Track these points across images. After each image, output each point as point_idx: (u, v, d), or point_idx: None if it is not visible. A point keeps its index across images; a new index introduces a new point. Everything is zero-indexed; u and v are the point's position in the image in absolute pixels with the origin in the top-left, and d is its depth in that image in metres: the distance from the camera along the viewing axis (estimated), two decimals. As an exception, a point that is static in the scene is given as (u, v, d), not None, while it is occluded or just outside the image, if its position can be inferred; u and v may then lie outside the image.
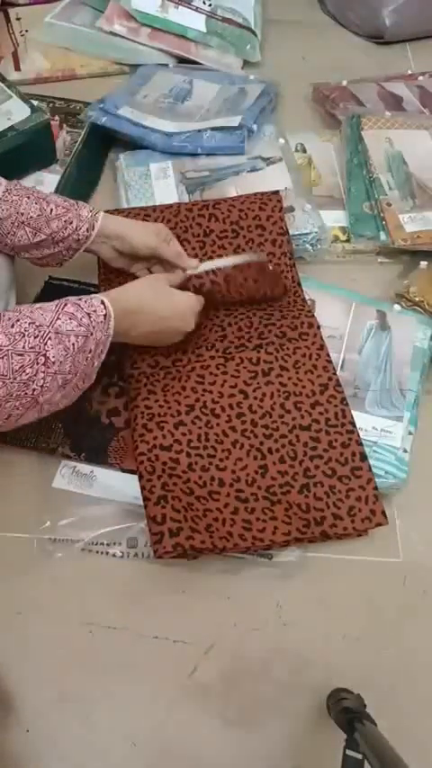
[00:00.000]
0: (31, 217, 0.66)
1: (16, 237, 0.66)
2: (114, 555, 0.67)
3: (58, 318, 0.54)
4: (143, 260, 0.75)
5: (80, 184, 0.94)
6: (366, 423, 0.72)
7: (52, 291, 0.83)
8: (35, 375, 0.51)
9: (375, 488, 0.66)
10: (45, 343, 0.52)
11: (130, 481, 0.68)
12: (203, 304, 0.71)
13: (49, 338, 0.52)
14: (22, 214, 0.65)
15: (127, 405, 0.72)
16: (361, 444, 0.68)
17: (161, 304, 0.65)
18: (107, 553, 0.67)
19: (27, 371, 0.50)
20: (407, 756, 0.46)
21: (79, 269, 0.83)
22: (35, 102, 0.90)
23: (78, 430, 0.71)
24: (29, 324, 0.52)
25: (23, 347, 0.50)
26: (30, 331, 0.51)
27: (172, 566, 0.67)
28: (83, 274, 0.84)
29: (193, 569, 0.67)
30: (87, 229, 0.68)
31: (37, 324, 0.52)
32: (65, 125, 0.97)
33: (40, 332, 0.52)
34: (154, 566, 0.67)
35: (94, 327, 0.56)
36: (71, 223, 0.67)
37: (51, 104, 1.00)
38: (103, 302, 0.58)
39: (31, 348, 0.51)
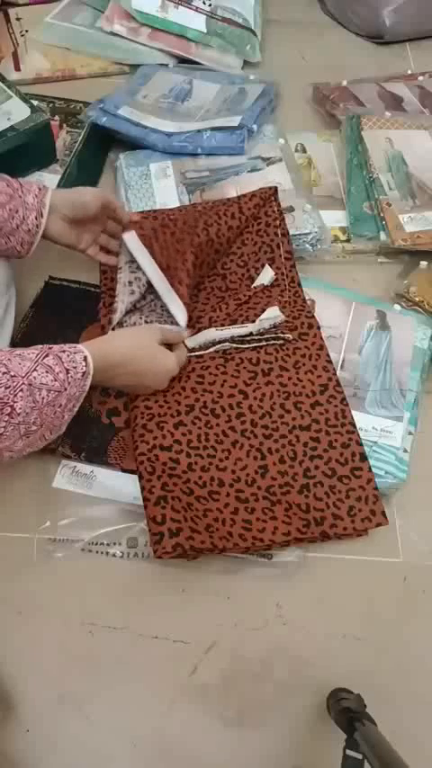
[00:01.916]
0: None
1: None
2: (114, 555, 0.67)
3: (34, 370, 0.53)
4: (91, 225, 0.74)
5: (80, 184, 0.93)
6: (366, 423, 0.72)
7: (52, 292, 0.83)
8: None
9: (375, 488, 0.66)
10: (15, 395, 0.51)
11: (130, 481, 0.68)
12: (185, 364, 0.71)
13: (21, 390, 0.51)
14: None
15: (127, 405, 0.72)
16: (361, 444, 0.68)
17: (142, 362, 0.65)
18: (107, 553, 0.67)
19: None
20: (407, 756, 0.47)
21: (79, 269, 0.83)
22: (35, 102, 0.90)
23: (78, 430, 0.71)
24: (2, 373, 0.51)
25: None
26: (2, 381, 0.50)
27: (172, 566, 0.67)
28: (83, 274, 0.84)
29: (193, 569, 0.67)
30: (36, 217, 0.66)
31: (11, 374, 0.51)
32: (65, 125, 0.97)
33: (12, 383, 0.51)
34: (154, 566, 0.67)
35: (69, 383, 0.55)
36: (17, 212, 0.64)
37: (51, 104, 1.00)
38: (85, 358, 0.57)
39: None
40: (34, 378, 0.52)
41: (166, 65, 1.12)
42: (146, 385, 0.68)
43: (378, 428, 0.72)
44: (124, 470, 0.69)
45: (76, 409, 0.58)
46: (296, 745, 0.61)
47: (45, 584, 0.66)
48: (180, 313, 0.72)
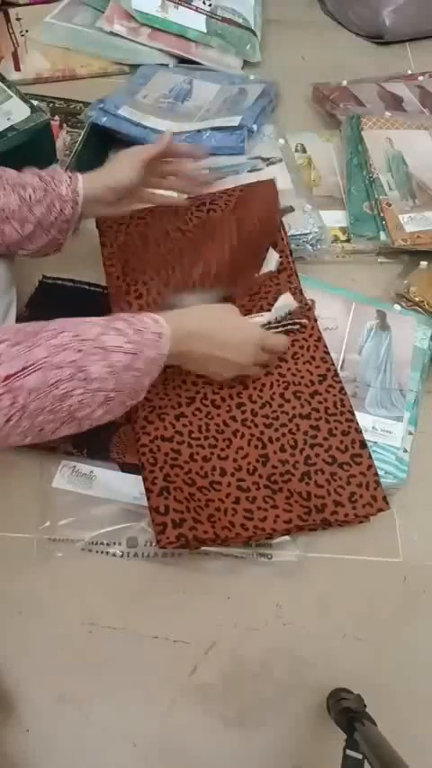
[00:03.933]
0: (12, 210, 0.62)
1: (5, 235, 0.64)
2: (114, 555, 0.67)
3: (104, 333, 0.51)
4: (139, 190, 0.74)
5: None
6: (366, 423, 0.72)
7: (46, 291, 0.83)
8: (73, 391, 0.49)
9: (376, 474, 0.66)
10: (87, 359, 0.49)
11: (130, 481, 0.68)
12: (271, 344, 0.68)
13: (93, 354, 0.50)
14: (2, 210, 0.62)
15: None
16: (360, 432, 0.69)
17: (225, 332, 0.62)
18: (107, 553, 0.67)
19: (64, 386, 0.48)
20: (407, 756, 0.46)
21: (74, 268, 0.83)
22: (35, 102, 0.90)
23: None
24: (72, 337, 0.49)
25: (62, 361, 0.48)
26: (72, 345, 0.49)
27: (172, 566, 0.67)
28: (77, 271, 0.84)
29: (193, 569, 0.67)
30: (72, 206, 0.65)
31: (81, 338, 0.50)
32: (65, 125, 0.97)
33: (83, 346, 0.49)
34: (154, 566, 0.67)
35: (145, 345, 0.53)
36: (54, 206, 0.64)
37: (51, 104, 1.00)
38: (157, 320, 0.56)
39: (71, 362, 0.48)
40: (105, 341, 0.51)
41: (166, 65, 1.12)
42: (229, 361, 0.64)
43: (378, 428, 0.72)
44: (124, 469, 0.69)
45: (156, 374, 0.56)
46: (296, 745, 0.61)
47: (45, 584, 0.66)
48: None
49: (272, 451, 0.67)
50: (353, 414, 0.70)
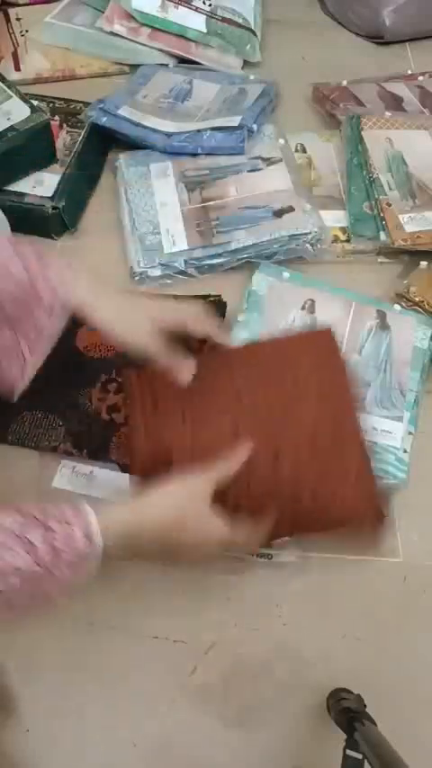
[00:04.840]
0: None
1: None
2: (114, 555, 0.67)
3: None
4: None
5: (80, 184, 0.94)
6: (366, 423, 0.71)
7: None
8: None
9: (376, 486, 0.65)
10: None
11: (129, 481, 0.68)
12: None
13: None
14: None
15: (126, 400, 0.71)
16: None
17: (180, 537, 0.51)
18: (107, 553, 0.67)
19: None
20: (407, 756, 0.46)
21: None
22: (35, 102, 0.90)
23: (79, 427, 0.71)
24: None
25: None
26: None
27: (172, 566, 0.66)
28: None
29: (193, 569, 0.67)
30: (48, 316, 0.55)
31: None
32: (65, 125, 0.97)
33: None
34: (154, 565, 0.67)
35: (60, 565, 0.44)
36: (29, 306, 0.54)
37: (51, 104, 1.00)
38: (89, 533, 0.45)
39: None
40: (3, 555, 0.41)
41: (166, 65, 1.12)
42: (188, 558, 0.56)
43: (378, 428, 0.72)
44: (124, 470, 0.69)
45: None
46: (296, 745, 0.61)
47: (45, 584, 0.66)
48: None
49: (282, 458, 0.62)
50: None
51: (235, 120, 0.95)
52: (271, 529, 0.58)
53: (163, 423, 0.65)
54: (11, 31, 1.16)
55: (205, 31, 1.11)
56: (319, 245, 0.87)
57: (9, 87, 0.90)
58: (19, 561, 0.42)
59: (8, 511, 0.44)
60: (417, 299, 0.81)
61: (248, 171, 0.93)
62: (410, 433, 0.72)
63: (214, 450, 0.59)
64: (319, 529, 0.63)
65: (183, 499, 0.52)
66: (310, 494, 0.62)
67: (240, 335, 0.77)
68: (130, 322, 0.56)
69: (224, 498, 0.55)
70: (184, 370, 0.59)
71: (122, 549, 0.48)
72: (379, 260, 0.90)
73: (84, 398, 0.73)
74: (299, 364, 0.68)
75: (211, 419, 0.65)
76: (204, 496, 0.53)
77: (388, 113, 0.99)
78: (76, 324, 0.77)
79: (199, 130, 0.95)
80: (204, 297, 0.82)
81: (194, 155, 0.94)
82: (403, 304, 0.82)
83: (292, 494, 0.62)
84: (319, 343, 0.71)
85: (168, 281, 0.86)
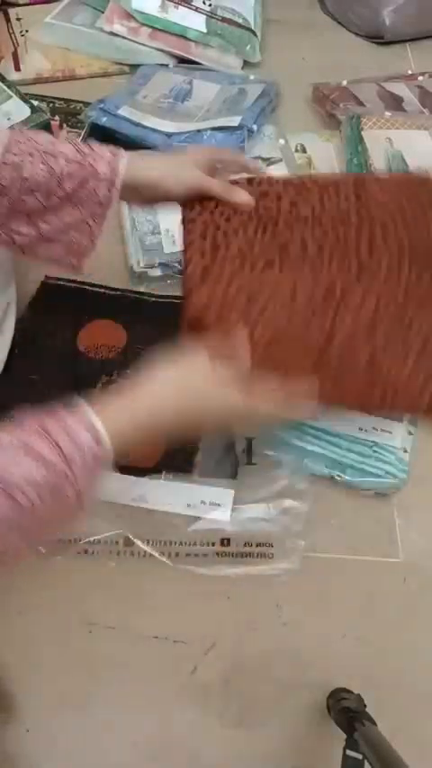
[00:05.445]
0: (38, 182, 0.53)
1: (26, 205, 0.55)
2: (114, 555, 0.67)
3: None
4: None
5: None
6: (366, 423, 0.72)
7: (49, 291, 0.82)
8: None
9: None
10: None
11: (129, 482, 0.68)
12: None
13: None
14: (27, 179, 0.53)
15: None
16: None
17: (188, 415, 0.50)
18: (108, 552, 0.67)
19: None
20: (407, 756, 0.47)
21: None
22: (35, 102, 0.90)
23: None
24: None
25: None
26: None
27: (172, 565, 0.66)
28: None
29: (193, 569, 0.67)
30: (108, 188, 0.56)
31: None
32: (65, 125, 0.97)
33: None
34: (154, 566, 0.67)
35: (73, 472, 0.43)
36: (87, 182, 0.55)
37: (51, 104, 1.00)
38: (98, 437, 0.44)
39: None
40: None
41: (166, 65, 1.12)
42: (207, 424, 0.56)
43: (378, 428, 0.72)
44: (123, 471, 0.69)
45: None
46: (296, 745, 0.61)
47: (45, 584, 0.66)
48: None
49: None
50: None
51: (235, 121, 0.95)
52: (310, 394, 0.52)
53: (219, 272, 0.58)
54: (11, 31, 1.16)
55: (205, 31, 1.11)
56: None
57: (9, 87, 0.90)
58: (33, 471, 0.40)
59: (7, 428, 0.42)
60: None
61: (248, 171, 0.93)
62: (410, 433, 0.72)
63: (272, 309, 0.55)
64: (365, 404, 0.56)
65: (177, 381, 0.50)
66: (367, 362, 0.54)
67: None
68: (180, 168, 0.59)
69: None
70: (243, 193, 0.60)
71: (131, 442, 0.47)
72: (379, 260, 0.90)
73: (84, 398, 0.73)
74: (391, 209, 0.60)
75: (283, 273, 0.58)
76: (203, 370, 0.50)
77: (388, 113, 0.99)
78: (77, 325, 0.78)
79: (199, 130, 0.95)
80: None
81: (194, 155, 0.94)
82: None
83: (341, 357, 0.55)
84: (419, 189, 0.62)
85: (168, 281, 0.86)
